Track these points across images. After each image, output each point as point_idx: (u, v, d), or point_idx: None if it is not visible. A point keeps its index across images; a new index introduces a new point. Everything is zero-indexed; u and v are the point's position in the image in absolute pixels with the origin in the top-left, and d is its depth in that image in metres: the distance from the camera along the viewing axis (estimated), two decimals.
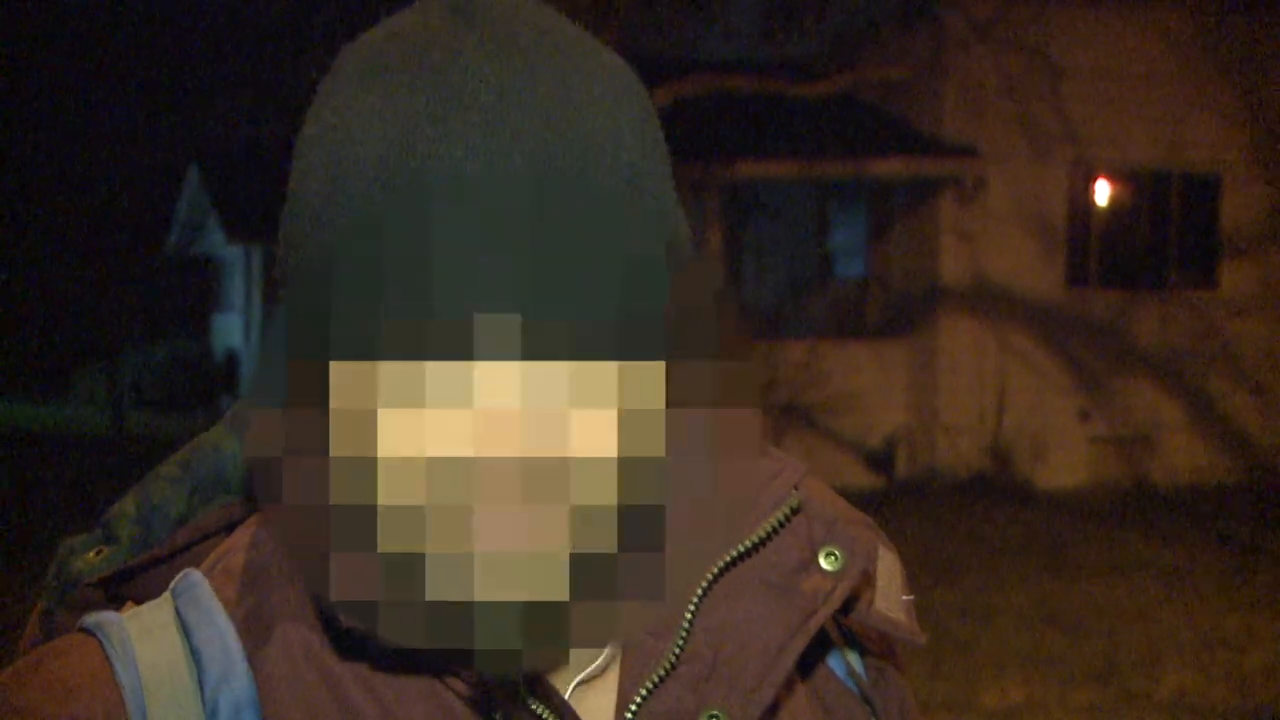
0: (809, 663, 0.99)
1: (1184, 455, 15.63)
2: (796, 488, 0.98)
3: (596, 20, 10.33)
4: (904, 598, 1.01)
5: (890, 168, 15.11)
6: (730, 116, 14.95)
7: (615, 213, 0.85)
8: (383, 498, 0.83)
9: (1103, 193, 15.78)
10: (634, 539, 0.85)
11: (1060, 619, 9.10)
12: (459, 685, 0.89)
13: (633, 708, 0.92)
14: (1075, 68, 15.34)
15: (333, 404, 0.85)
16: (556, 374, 0.83)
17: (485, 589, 0.83)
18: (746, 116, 14.98)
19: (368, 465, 0.83)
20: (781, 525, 0.97)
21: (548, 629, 0.84)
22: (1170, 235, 15.92)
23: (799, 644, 0.94)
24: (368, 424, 0.83)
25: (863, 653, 1.04)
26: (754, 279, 17.50)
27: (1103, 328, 15.57)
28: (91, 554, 0.99)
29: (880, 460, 15.37)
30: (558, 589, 0.83)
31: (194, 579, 0.93)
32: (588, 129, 0.87)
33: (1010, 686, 7.57)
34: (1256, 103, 15.73)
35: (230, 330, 27.28)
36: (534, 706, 0.88)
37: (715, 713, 0.92)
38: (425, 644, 0.84)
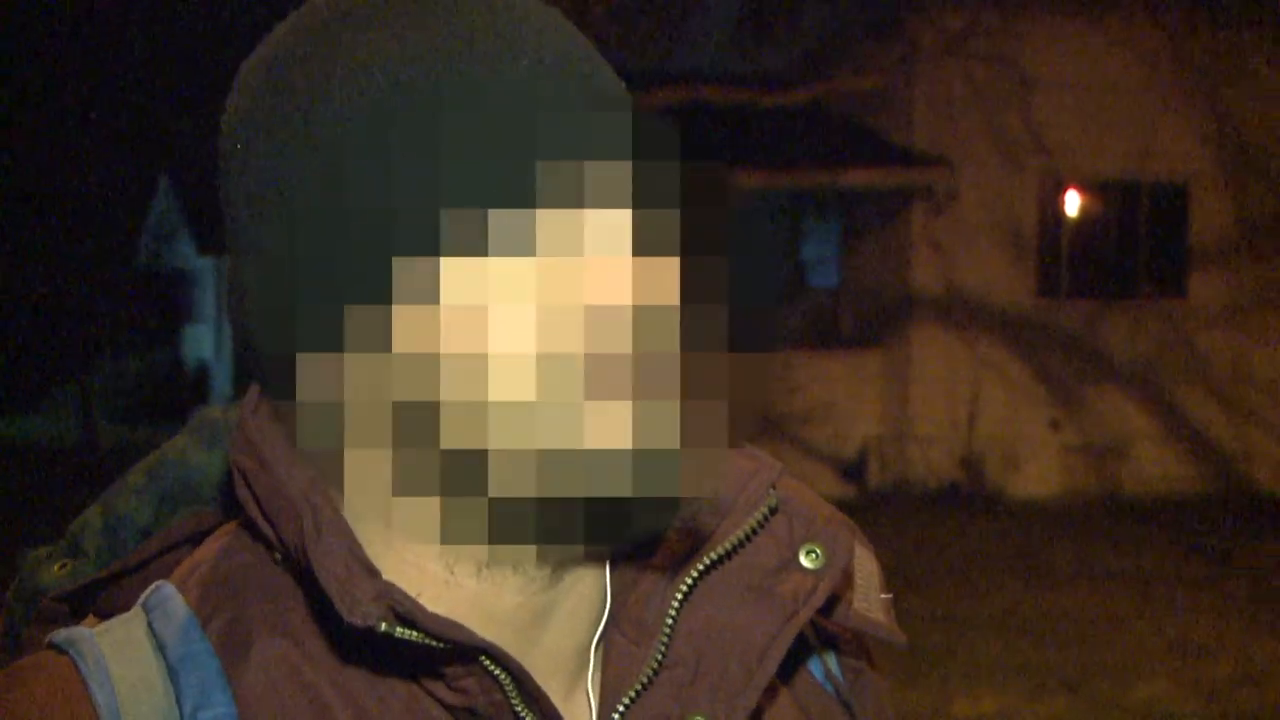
0: (788, 666, 0.98)
1: (1155, 464, 15.68)
2: (774, 487, 0.97)
3: None
4: (882, 596, 1.00)
5: (861, 178, 15.13)
6: (702, 127, 14.97)
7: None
8: (493, 348, 0.84)
9: (1072, 203, 15.83)
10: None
11: (1032, 628, 9.12)
12: (444, 692, 0.88)
13: (616, 715, 0.91)
14: (1044, 79, 15.40)
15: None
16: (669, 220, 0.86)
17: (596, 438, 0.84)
18: (718, 127, 15.00)
19: (479, 314, 0.84)
20: (760, 526, 0.96)
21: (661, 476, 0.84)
22: (1140, 245, 15.98)
23: (782, 647, 0.93)
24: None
25: (839, 653, 1.03)
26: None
27: (1073, 337, 15.62)
28: (56, 567, 0.97)
29: (852, 470, 15.39)
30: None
31: (166, 592, 0.90)
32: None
33: (982, 695, 7.58)
34: (1224, 113, 15.82)
35: (201, 342, 27.17)
36: (521, 712, 0.87)
37: (700, 718, 0.91)
38: (535, 493, 0.84)
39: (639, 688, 0.92)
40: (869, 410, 15.55)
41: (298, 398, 0.88)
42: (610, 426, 0.82)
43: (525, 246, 0.82)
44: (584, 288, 0.83)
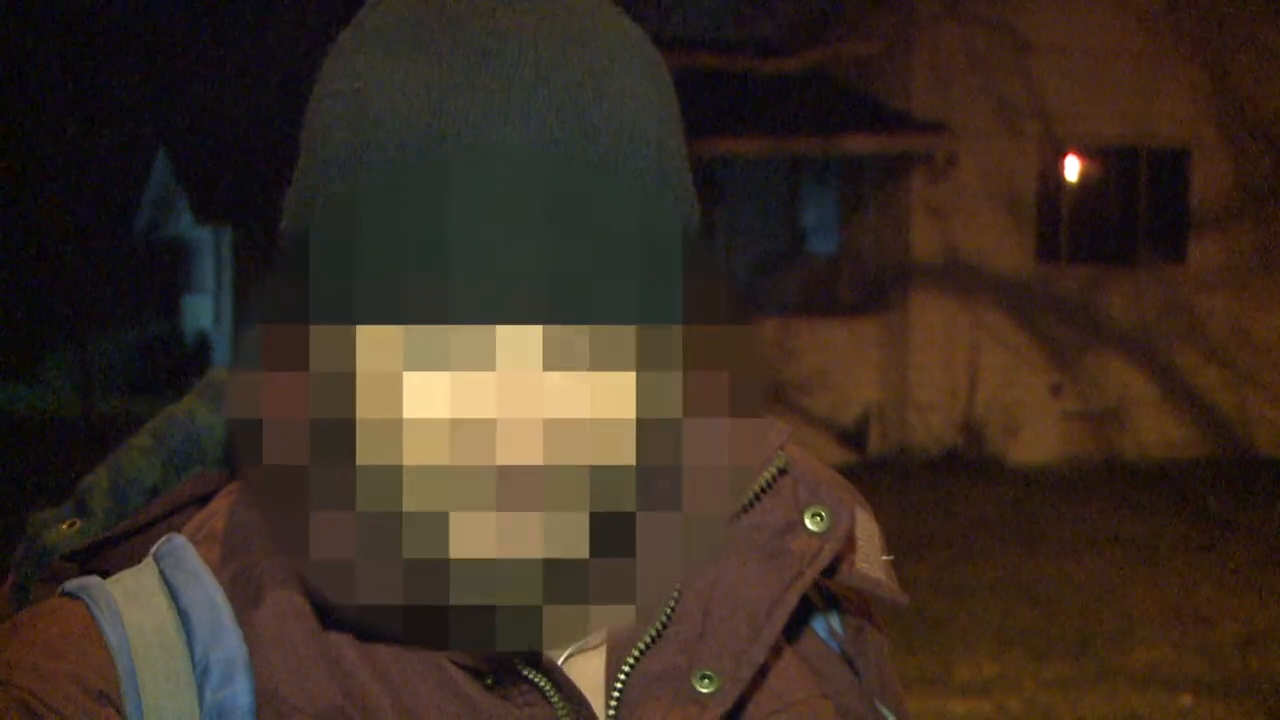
0: (793, 624, 0.99)
1: (1155, 429, 15.70)
2: (781, 449, 0.98)
3: None
4: (884, 558, 1.01)
5: (861, 144, 15.11)
6: (700, 94, 14.94)
7: (642, 202, 0.86)
8: (408, 458, 0.83)
9: (1072, 168, 15.82)
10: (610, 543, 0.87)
11: (1032, 593, 9.14)
12: (450, 650, 0.89)
13: (625, 670, 0.92)
14: (1044, 43, 15.37)
15: (359, 366, 0.84)
16: (577, 381, 0.84)
17: (460, 548, 0.83)
18: (716, 94, 14.97)
19: (393, 427, 0.83)
20: (768, 486, 0.97)
21: (528, 587, 0.84)
22: (1140, 210, 15.97)
23: (788, 604, 0.94)
24: (392, 385, 0.83)
25: (841, 612, 1.04)
26: (726, 257, 17.51)
27: (1073, 303, 15.62)
28: (64, 526, 0.97)
29: (853, 437, 15.41)
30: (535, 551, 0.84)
31: (177, 542, 0.92)
32: (621, 112, 0.87)
33: (983, 661, 7.60)
34: (1224, 77, 15.78)
35: (201, 312, 27.19)
36: (527, 673, 0.88)
37: (707, 673, 0.91)
38: (402, 600, 0.84)
39: (647, 642, 0.93)
40: (869, 377, 15.56)
41: (311, 369, 0.88)
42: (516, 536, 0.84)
43: (439, 317, 0.83)
44: (495, 358, 0.83)
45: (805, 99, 15.41)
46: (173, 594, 0.89)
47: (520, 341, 0.82)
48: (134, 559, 0.95)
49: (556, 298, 0.82)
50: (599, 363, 0.84)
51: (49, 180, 24.32)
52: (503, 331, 0.82)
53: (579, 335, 0.83)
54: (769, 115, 15.10)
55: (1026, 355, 15.52)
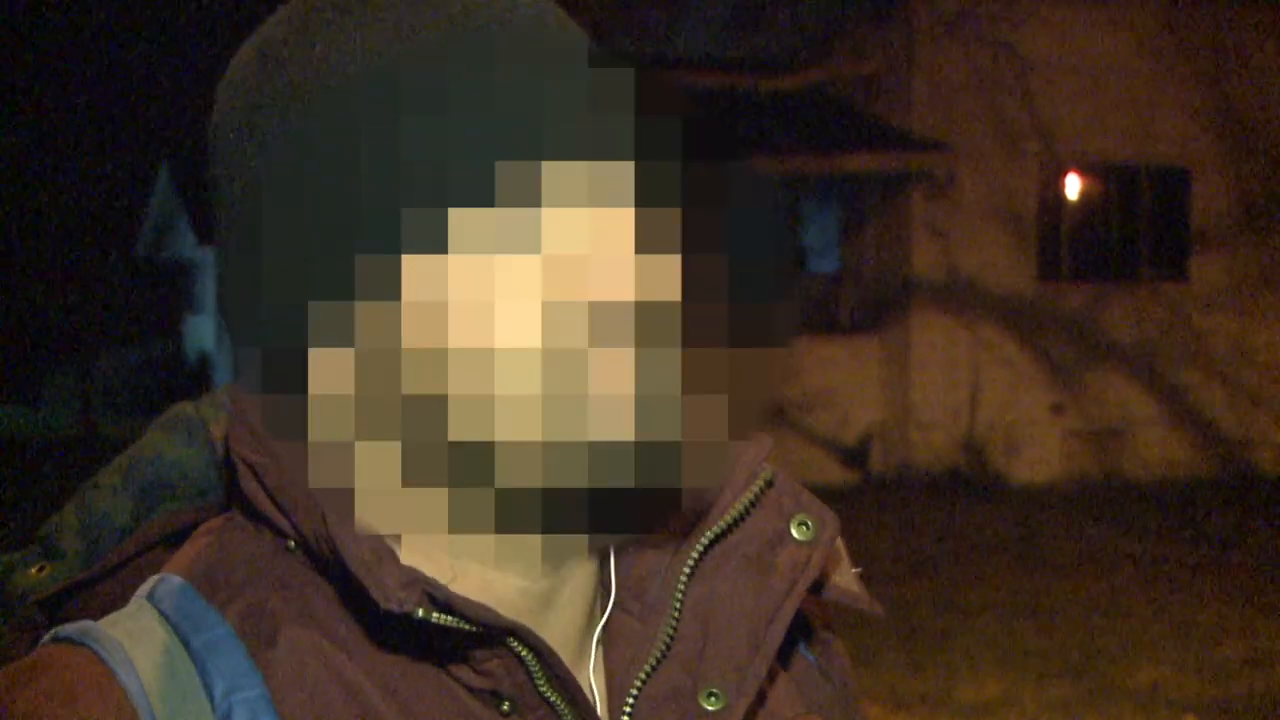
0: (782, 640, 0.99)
1: (1156, 448, 15.69)
2: (765, 461, 0.98)
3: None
4: (853, 570, 1.02)
5: (861, 163, 15.12)
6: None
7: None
8: (499, 342, 0.83)
9: (1073, 186, 15.83)
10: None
11: (1035, 613, 9.13)
12: (469, 676, 0.88)
13: (634, 691, 0.92)
14: (1044, 62, 15.39)
15: (451, 253, 0.83)
16: (667, 218, 0.86)
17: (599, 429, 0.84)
18: (716, 112, 14.96)
19: (485, 309, 0.83)
20: (757, 500, 0.97)
21: (661, 467, 0.84)
22: (1140, 228, 15.98)
23: (785, 617, 0.94)
24: (491, 271, 0.84)
25: (810, 626, 1.05)
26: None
27: (1074, 321, 15.62)
28: (34, 570, 0.95)
29: (855, 456, 15.40)
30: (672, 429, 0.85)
31: (175, 583, 0.89)
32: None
33: (985, 680, 7.59)
34: (1224, 95, 15.81)
35: (202, 332, 27.20)
36: (545, 692, 0.88)
37: (714, 690, 0.91)
38: (543, 484, 0.84)
39: (653, 662, 0.92)
40: (871, 396, 15.56)
41: (310, 391, 0.87)
42: (613, 419, 0.84)
43: (530, 244, 0.83)
44: (587, 284, 0.84)
45: (805, 118, 15.44)
46: (180, 636, 0.87)
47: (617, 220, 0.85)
48: (108, 602, 0.92)
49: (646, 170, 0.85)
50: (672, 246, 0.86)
51: (51, 200, 24.36)
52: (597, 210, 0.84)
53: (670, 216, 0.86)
54: (769, 134, 15.12)
55: (1028, 374, 15.52)
